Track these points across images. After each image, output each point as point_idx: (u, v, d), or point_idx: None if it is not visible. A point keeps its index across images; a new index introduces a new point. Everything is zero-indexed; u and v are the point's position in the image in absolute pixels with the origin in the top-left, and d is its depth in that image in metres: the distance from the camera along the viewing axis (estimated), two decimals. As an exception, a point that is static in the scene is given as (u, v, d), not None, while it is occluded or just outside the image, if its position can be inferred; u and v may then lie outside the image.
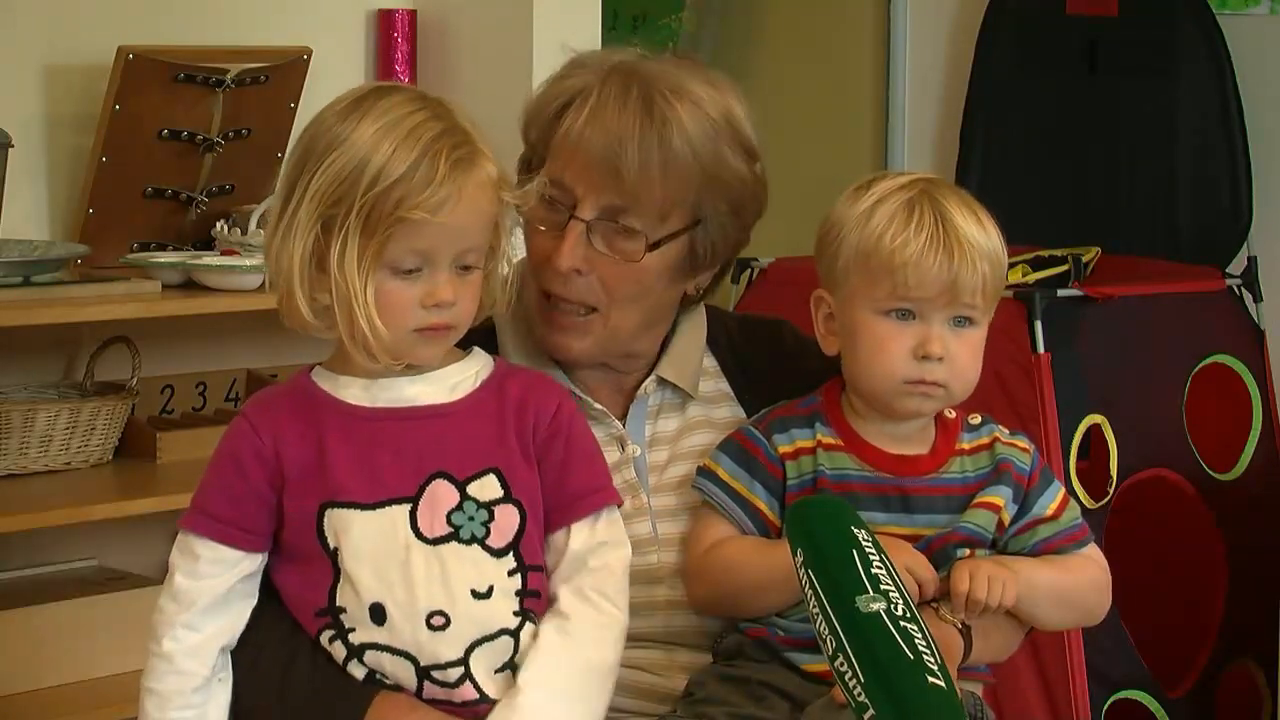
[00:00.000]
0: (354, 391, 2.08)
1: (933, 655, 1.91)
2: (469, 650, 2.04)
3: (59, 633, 3.26)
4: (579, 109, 2.20)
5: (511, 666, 2.06)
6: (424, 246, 2.00)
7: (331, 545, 2.05)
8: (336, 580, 2.05)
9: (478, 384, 2.10)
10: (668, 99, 2.19)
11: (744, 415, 2.33)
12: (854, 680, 1.89)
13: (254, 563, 2.08)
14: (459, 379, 2.10)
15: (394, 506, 2.05)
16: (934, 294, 2.15)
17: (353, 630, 2.05)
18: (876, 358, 2.17)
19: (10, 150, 3.32)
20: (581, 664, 2.06)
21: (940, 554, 2.17)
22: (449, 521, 2.05)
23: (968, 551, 2.20)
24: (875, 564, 1.96)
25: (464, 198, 2.01)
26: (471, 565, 2.05)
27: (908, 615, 1.93)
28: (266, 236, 2.07)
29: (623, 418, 2.31)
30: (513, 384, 2.11)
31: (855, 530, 1.99)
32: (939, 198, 2.17)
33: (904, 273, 2.14)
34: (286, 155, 2.08)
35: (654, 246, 2.21)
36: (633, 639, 2.14)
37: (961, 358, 2.17)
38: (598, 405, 2.27)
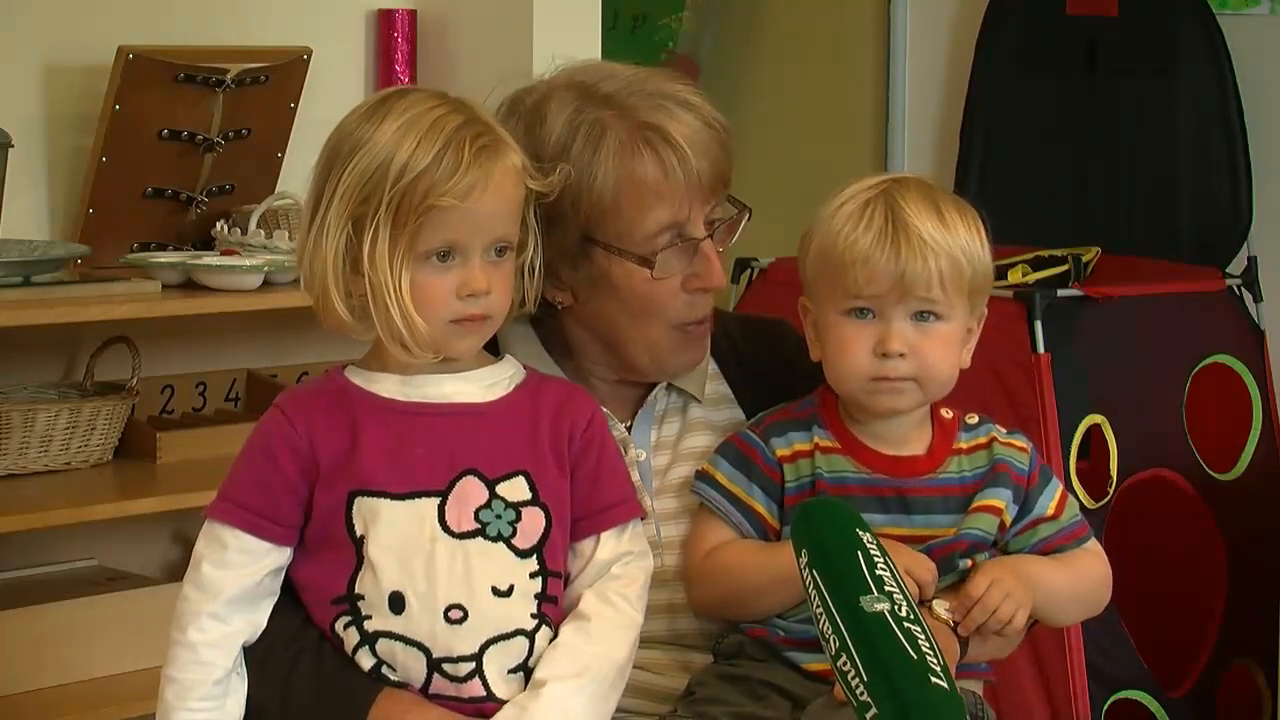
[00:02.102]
0: (390, 386, 2.09)
1: (935, 656, 1.91)
2: (483, 647, 2.05)
3: (59, 633, 3.26)
4: (655, 150, 2.19)
5: (525, 669, 2.07)
6: (455, 235, 2.02)
7: (358, 533, 2.06)
8: (358, 568, 2.06)
9: (512, 387, 2.12)
10: (682, 95, 2.23)
11: (743, 417, 2.33)
12: (857, 680, 1.90)
13: (281, 556, 2.09)
14: (494, 380, 2.12)
15: (423, 499, 2.06)
16: (885, 289, 2.15)
17: (369, 618, 2.06)
18: (841, 358, 2.18)
19: (10, 150, 3.32)
20: (600, 661, 2.07)
21: (945, 562, 2.18)
22: (477, 518, 2.06)
23: (969, 562, 2.20)
24: (879, 565, 1.96)
25: (491, 184, 2.03)
26: (495, 562, 2.06)
27: (911, 616, 1.93)
28: (298, 244, 2.09)
29: (627, 422, 2.31)
30: (548, 391, 2.14)
31: (860, 532, 2.00)
32: (897, 195, 2.16)
33: (854, 271, 2.15)
34: (315, 164, 2.08)
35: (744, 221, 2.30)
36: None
37: (928, 352, 2.17)
38: (603, 409, 2.27)
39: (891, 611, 1.92)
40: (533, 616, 2.07)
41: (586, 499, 2.11)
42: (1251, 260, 4.27)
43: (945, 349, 2.18)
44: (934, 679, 1.89)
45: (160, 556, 3.58)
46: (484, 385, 2.11)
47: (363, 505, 2.06)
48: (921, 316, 2.17)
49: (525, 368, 2.16)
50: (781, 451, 2.21)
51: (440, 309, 2.04)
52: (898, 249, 2.14)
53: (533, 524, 2.08)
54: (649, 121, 2.20)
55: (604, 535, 2.12)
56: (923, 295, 2.15)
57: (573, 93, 2.23)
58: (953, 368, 2.19)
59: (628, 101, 2.21)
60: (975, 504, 2.21)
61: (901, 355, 2.16)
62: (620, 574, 2.11)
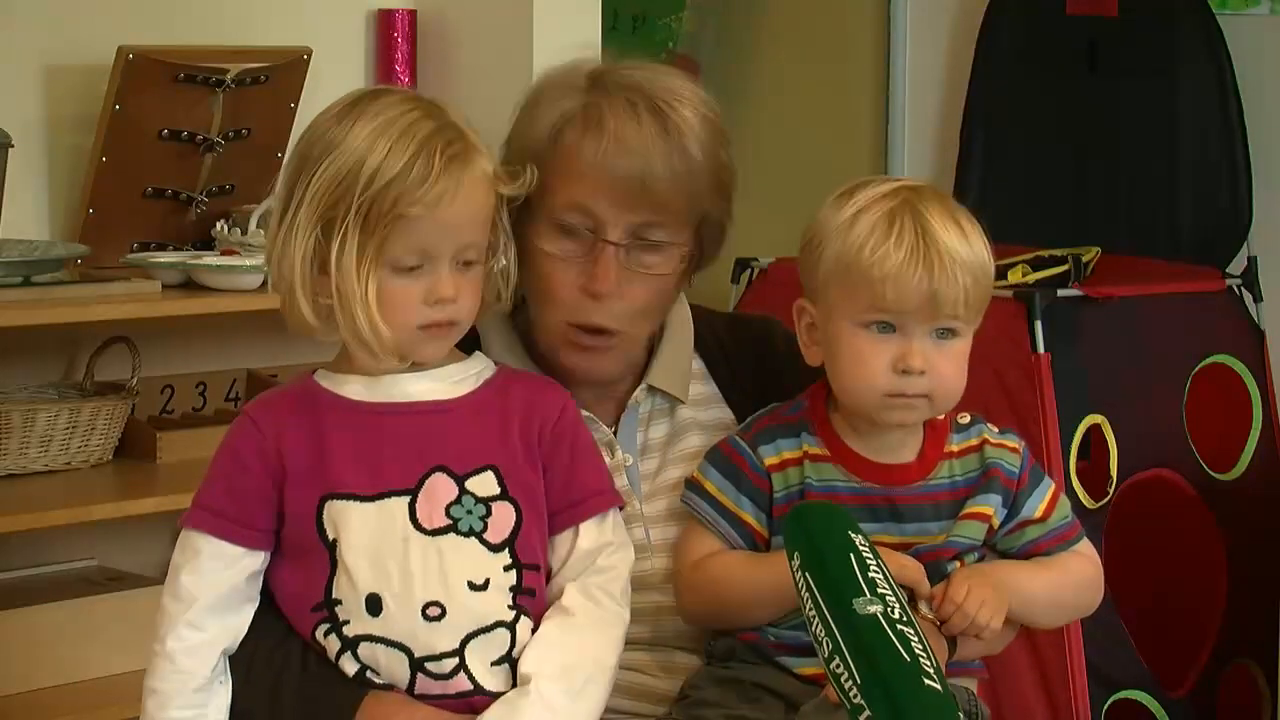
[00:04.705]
0: (356, 388, 2.09)
1: (928, 658, 1.91)
2: (464, 642, 2.05)
3: (59, 633, 3.26)
4: (590, 130, 2.17)
5: (509, 660, 2.06)
6: (423, 243, 2.02)
7: (330, 537, 2.06)
8: (334, 573, 2.06)
9: (479, 383, 2.12)
10: (672, 106, 2.19)
11: (731, 416, 2.33)
12: (850, 682, 1.90)
13: (256, 561, 2.09)
14: (461, 377, 2.12)
15: (393, 498, 2.06)
16: (914, 308, 2.12)
17: (347, 622, 2.06)
18: (858, 371, 2.15)
19: (10, 150, 3.32)
20: (587, 661, 2.07)
21: (932, 568, 2.17)
22: (448, 514, 2.06)
23: (959, 564, 2.19)
24: (872, 568, 1.96)
25: (460, 193, 2.02)
26: (469, 557, 2.06)
27: (904, 618, 1.93)
28: (268, 242, 2.09)
29: (613, 425, 2.30)
30: (517, 386, 2.13)
31: (853, 535, 1.99)
32: (921, 208, 2.13)
33: (884, 286, 2.11)
34: (285, 162, 2.08)
35: (687, 257, 2.22)
36: (626, 642, 2.14)
37: (944, 370, 2.15)
38: (585, 412, 2.25)
39: (884, 614, 1.92)
40: (510, 608, 2.06)
41: (563, 491, 2.11)
42: (1251, 260, 4.27)
43: (959, 366, 2.16)
44: (927, 681, 1.89)
45: (160, 556, 3.58)
46: (451, 382, 2.11)
47: (332, 509, 2.06)
48: (941, 334, 2.15)
49: (496, 363, 2.15)
50: (770, 460, 2.19)
51: (408, 316, 2.04)
52: (930, 268, 2.11)
53: (503, 518, 2.07)
54: (599, 103, 2.18)
55: (583, 526, 2.11)
56: (948, 314, 2.13)
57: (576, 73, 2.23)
58: (962, 383, 2.17)
59: (606, 80, 2.20)
60: (965, 510, 2.20)
61: (921, 373, 2.14)
62: (604, 567, 2.11)
